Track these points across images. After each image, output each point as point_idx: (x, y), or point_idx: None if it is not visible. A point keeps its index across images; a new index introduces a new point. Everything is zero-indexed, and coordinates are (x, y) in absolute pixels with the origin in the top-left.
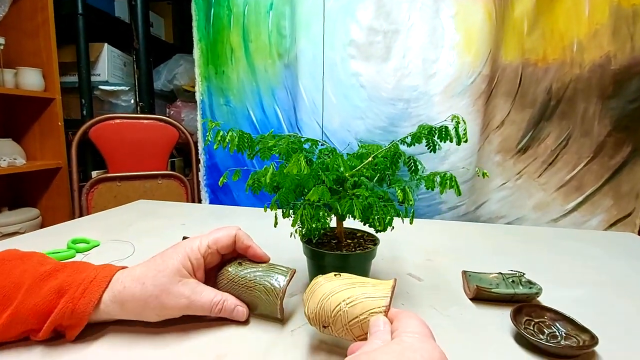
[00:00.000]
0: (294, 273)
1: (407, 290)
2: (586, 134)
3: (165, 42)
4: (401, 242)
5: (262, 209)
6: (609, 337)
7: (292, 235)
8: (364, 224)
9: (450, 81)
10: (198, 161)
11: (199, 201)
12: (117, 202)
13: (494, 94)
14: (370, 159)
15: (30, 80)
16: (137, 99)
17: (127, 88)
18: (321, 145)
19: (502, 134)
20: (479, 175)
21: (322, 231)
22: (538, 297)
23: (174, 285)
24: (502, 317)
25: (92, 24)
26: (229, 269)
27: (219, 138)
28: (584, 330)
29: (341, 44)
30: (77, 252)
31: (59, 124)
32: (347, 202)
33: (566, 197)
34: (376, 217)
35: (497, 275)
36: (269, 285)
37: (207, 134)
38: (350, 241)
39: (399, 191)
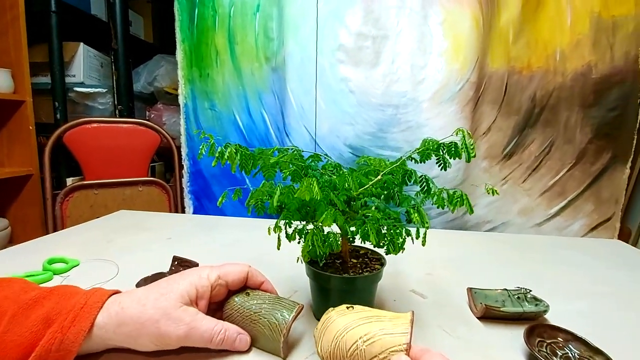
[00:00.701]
0: (301, 309)
1: (413, 310)
2: (568, 141)
3: (145, 42)
4: (400, 255)
5: (252, 218)
6: (622, 358)
7: (299, 260)
8: (375, 247)
9: (439, 87)
10: (181, 167)
11: (182, 209)
12: (94, 211)
13: (481, 101)
14: (379, 177)
15: None
16: (116, 102)
17: (104, 90)
18: (324, 159)
19: (489, 141)
20: (488, 193)
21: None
22: (546, 314)
23: (174, 310)
24: (512, 337)
25: (66, 22)
26: (236, 299)
27: (216, 155)
28: (597, 351)
29: (330, 48)
30: (54, 274)
31: (30, 128)
32: (360, 226)
33: (549, 202)
34: (390, 241)
35: (502, 291)
36: (273, 320)
37: (201, 147)
38: (355, 261)
39: (414, 214)
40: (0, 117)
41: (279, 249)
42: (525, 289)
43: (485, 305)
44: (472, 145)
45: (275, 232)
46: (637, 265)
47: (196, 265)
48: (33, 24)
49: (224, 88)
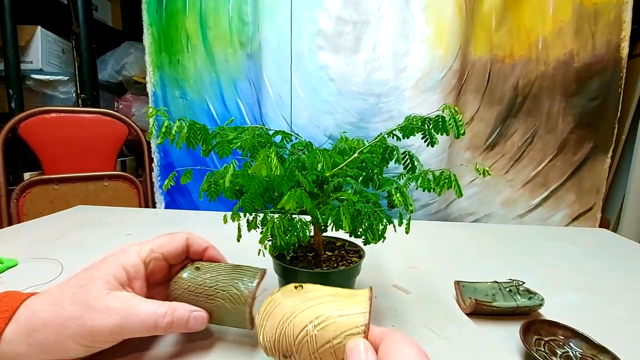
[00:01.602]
0: (264, 274)
1: (395, 307)
2: (550, 130)
3: (113, 28)
4: (380, 247)
5: (227, 213)
6: (626, 356)
7: (261, 253)
8: (351, 236)
9: (422, 75)
10: (151, 160)
11: (153, 205)
12: (55, 208)
13: (464, 89)
14: (355, 154)
15: None
16: (78, 91)
17: (65, 78)
18: (294, 139)
19: (472, 131)
20: (479, 173)
21: (297, 244)
22: (540, 308)
23: (100, 300)
24: (505, 335)
25: (20, 3)
26: (183, 275)
27: (163, 130)
28: (601, 349)
29: (308, 34)
30: None
31: None
32: (332, 211)
33: (532, 192)
34: (367, 228)
35: (492, 284)
36: (234, 291)
37: (151, 126)
38: (330, 253)
39: (396, 194)
40: None
41: (238, 240)
42: (518, 280)
43: (475, 300)
44: (460, 120)
45: (233, 221)
46: (625, 254)
47: None
48: None
49: (196, 75)
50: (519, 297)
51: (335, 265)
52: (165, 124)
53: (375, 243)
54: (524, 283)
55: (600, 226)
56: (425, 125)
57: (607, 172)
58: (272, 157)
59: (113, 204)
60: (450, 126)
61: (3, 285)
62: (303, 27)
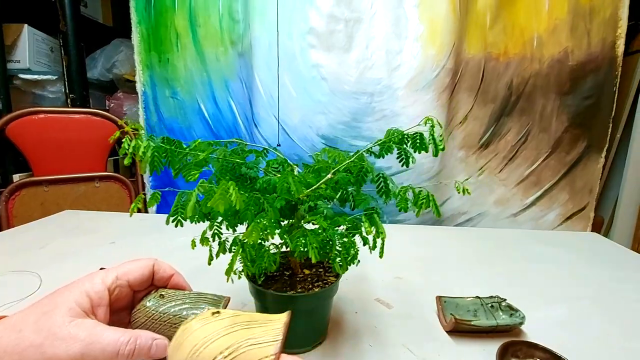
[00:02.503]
0: (228, 301)
1: (375, 324)
2: (544, 129)
3: (103, 25)
4: (367, 255)
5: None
6: None
7: (230, 280)
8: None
9: (415, 74)
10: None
11: (145, 207)
12: (45, 210)
13: (458, 88)
14: (329, 175)
15: None
16: (67, 90)
17: (54, 77)
18: (272, 154)
19: (466, 130)
20: (459, 192)
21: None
22: (522, 326)
23: (62, 327)
24: (485, 355)
25: (6, 1)
26: (147, 304)
27: (130, 150)
28: None
29: (300, 32)
30: None
31: None
32: (299, 239)
33: (525, 192)
34: (337, 258)
35: (474, 299)
36: None
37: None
38: (307, 272)
39: (366, 223)
40: None
41: (209, 264)
42: (500, 297)
43: (454, 318)
44: (441, 137)
45: (203, 245)
46: (615, 260)
47: None
48: None
49: (187, 74)
50: (500, 313)
51: (310, 286)
52: (133, 144)
53: (343, 272)
54: (505, 300)
55: (593, 225)
56: (403, 143)
57: (600, 172)
58: (231, 190)
59: (104, 205)
60: (430, 142)
61: None
62: (294, 25)
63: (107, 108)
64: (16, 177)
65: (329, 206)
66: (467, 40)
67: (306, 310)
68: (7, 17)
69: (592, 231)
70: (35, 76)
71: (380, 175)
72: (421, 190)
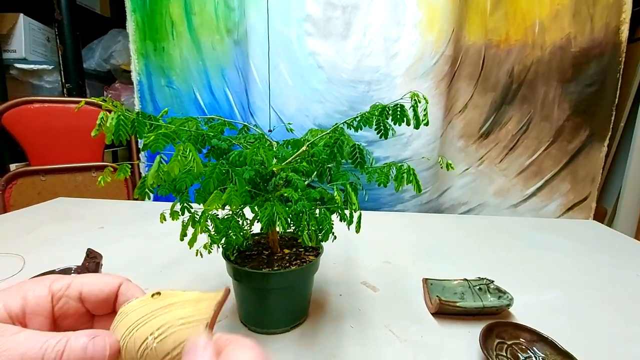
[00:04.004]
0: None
1: (359, 307)
2: (546, 118)
3: (101, 15)
4: (358, 239)
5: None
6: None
7: (199, 253)
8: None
9: (413, 62)
10: (139, 150)
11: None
12: (42, 200)
13: (457, 76)
14: (304, 148)
15: None
16: (63, 80)
17: (50, 67)
18: (252, 130)
19: (465, 119)
20: (442, 167)
21: (249, 242)
22: (509, 308)
23: None
24: (469, 337)
25: None
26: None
27: (98, 121)
28: (565, 355)
29: (296, 19)
30: None
31: None
32: (267, 210)
33: (526, 182)
34: (306, 230)
35: (461, 281)
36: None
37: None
38: (288, 251)
39: (336, 192)
40: None
41: (182, 239)
42: (487, 279)
43: (439, 299)
44: (424, 111)
45: (173, 219)
46: (613, 247)
47: (99, 257)
48: None
49: (182, 63)
50: (488, 296)
51: (287, 264)
52: (100, 115)
53: (315, 245)
54: (493, 281)
55: (596, 216)
56: (383, 115)
57: (603, 161)
58: (188, 152)
59: (101, 195)
60: (413, 114)
61: None
62: (290, 12)
63: (105, 99)
64: (13, 167)
65: (303, 180)
66: (467, 26)
67: (283, 288)
68: (2, 6)
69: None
70: (32, 66)
71: (355, 146)
72: (402, 165)
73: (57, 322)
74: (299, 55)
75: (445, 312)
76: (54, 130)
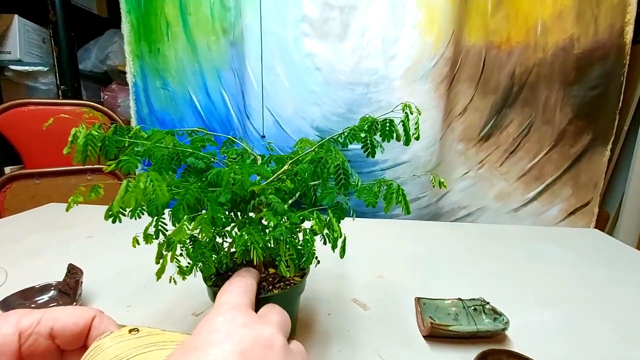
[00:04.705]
0: None
1: (348, 327)
2: (548, 121)
3: (98, 15)
4: (350, 251)
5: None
6: None
7: (172, 280)
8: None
9: (412, 64)
10: None
11: None
12: (36, 203)
13: (457, 78)
14: (286, 167)
15: None
16: (58, 82)
17: (46, 69)
18: (238, 145)
19: (465, 122)
20: (434, 186)
21: (228, 265)
22: (505, 331)
23: None
24: None
25: None
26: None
27: (70, 138)
28: None
29: (293, 19)
30: None
31: None
32: (241, 239)
33: (527, 186)
34: (283, 259)
35: (455, 301)
36: None
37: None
38: (273, 270)
39: (314, 221)
40: None
41: (157, 262)
42: (483, 299)
43: (431, 322)
44: (416, 125)
45: (147, 243)
46: (616, 258)
47: (79, 274)
48: None
49: (177, 64)
50: (483, 317)
51: (270, 287)
52: (72, 131)
53: (291, 276)
54: (488, 303)
55: (598, 221)
56: (371, 131)
57: (606, 165)
58: (149, 182)
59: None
60: (404, 131)
61: None
62: (287, 12)
63: (101, 100)
64: (8, 170)
65: (286, 200)
66: (468, 27)
67: None
68: None
69: (596, 227)
70: (27, 67)
71: (340, 166)
72: (391, 184)
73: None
74: (296, 56)
75: (437, 335)
76: (48, 133)
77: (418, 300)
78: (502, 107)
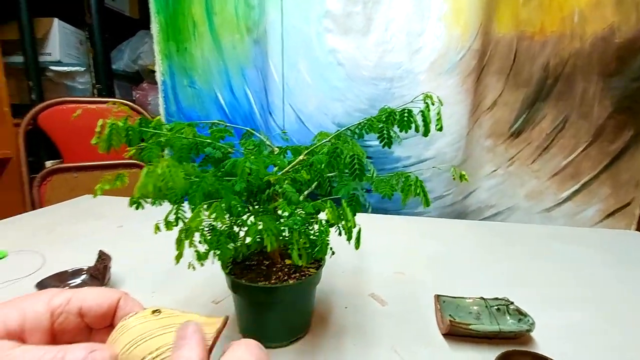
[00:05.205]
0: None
1: (365, 323)
2: (585, 116)
3: (129, 17)
4: (370, 247)
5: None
6: None
7: (191, 267)
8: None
9: (437, 57)
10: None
11: None
12: (75, 196)
13: (486, 71)
14: (301, 157)
15: None
16: (94, 81)
17: (82, 69)
18: (256, 137)
19: (494, 117)
20: (454, 178)
21: (244, 254)
22: (530, 333)
23: None
24: None
25: None
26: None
27: (98, 129)
28: None
29: (316, 15)
30: None
31: (5, 109)
32: (255, 226)
33: (561, 185)
34: (295, 248)
35: (478, 300)
36: None
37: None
38: (289, 261)
39: (327, 210)
40: None
41: (177, 249)
42: (507, 299)
43: (450, 320)
44: (438, 112)
45: (167, 229)
46: None
47: (107, 260)
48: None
49: (204, 63)
50: (507, 317)
51: (285, 278)
52: (99, 122)
53: (304, 264)
54: (512, 303)
55: (639, 223)
56: (388, 122)
57: None
58: (164, 167)
59: (129, 191)
60: (423, 122)
61: None
62: (309, 8)
63: (133, 98)
64: (48, 164)
65: (302, 190)
66: (497, 18)
67: (281, 303)
68: (37, 11)
69: (637, 229)
70: (66, 68)
71: (355, 157)
72: (409, 176)
73: (56, 337)
74: (319, 53)
75: (457, 333)
76: (85, 129)
77: (438, 297)
78: (535, 101)
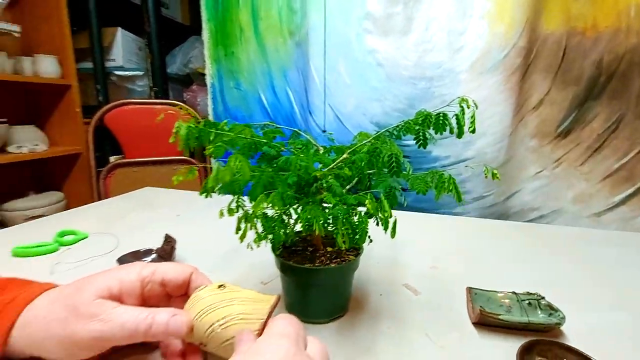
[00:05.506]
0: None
1: (397, 308)
2: None
3: (182, 24)
4: (406, 242)
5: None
6: None
7: (249, 247)
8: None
9: (479, 56)
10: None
11: None
12: (134, 188)
13: (532, 69)
14: (345, 155)
15: (47, 67)
16: (151, 84)
17: (141, 73)
18: (303, 136)
19: (540, 116)
20: (486, 177)
21: (293, 239)
22: (560, 327)
23: (87, 304)
24: (509, 351)
25: (104, 7)
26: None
27: (174, 130)
28: None
29: (356, 17)
30: (60, 245)
31: (77, 110)
32: (305, 213)
33: (613, 188)
34: (340, 232)
35: (509, 294)
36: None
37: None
38: (330, 249)
39: (368, 201)
40: (51, 101)
41: (236, 233)
42: (539, 294)
43: (480, 310)
44: (472, 118)
45: (229, 215)
46: None
47: (173, 242)
48: (75, 11)
49: (249, 66)
50: (538, 311)
51: (328, 262)
52: (176, 124)
53: (348, 247)
54: (543, 297)
55: None
56: (424, 124)
57: None
58: (238, 162)
59: (181, 185)
60: (459, 124)
61: (72, 254)
62: (350, 10)
63: (184, 100)
64: (112, 159)
65: (337, 185)
66: (545, 14)
67: (323, 285)
68: (104, 22)
69: None
70: (127, 72)
71: (393, 155)
72: (442, 174)
73: (145, 301)
74: (358, 54)
75: (486, 323)
76: (143, 128)
77: (470, 290)
78: (586, 100)
